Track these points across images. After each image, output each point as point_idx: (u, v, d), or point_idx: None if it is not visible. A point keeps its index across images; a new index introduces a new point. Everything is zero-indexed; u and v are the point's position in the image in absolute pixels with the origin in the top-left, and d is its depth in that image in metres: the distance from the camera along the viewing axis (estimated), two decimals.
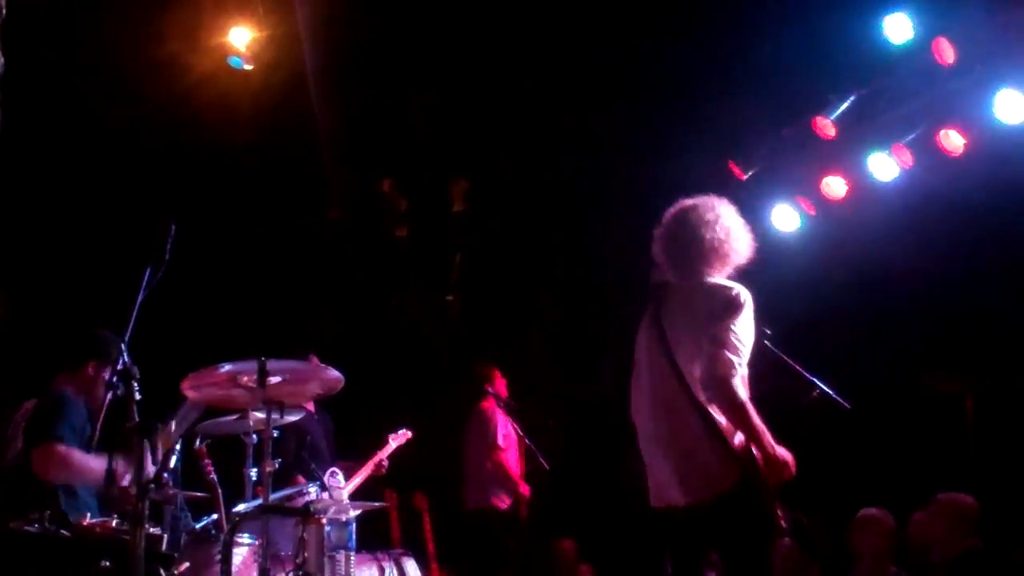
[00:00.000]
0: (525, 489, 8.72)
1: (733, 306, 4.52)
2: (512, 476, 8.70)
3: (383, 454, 7.82)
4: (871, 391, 7.60)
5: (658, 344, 4.65)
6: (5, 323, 7.45)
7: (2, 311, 7.55)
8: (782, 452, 4.49)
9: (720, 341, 4.42)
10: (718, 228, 4.72)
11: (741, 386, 4.42)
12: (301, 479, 6.84)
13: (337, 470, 7.57)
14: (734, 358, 4.40)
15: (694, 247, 4.70)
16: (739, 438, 4.46)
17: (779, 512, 4.54)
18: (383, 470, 7.83)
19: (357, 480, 7.62)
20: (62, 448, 5.02)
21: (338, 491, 7.21)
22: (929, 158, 7.43)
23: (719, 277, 4.71)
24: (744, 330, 4.48)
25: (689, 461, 4.52)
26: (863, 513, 7.06)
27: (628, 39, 8.56)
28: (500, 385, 8.93)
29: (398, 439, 7.97)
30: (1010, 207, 7.38)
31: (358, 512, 6.01)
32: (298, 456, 7.05)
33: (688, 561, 4.68)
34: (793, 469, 4.51)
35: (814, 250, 8.42)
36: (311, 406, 7.72)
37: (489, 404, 8.84)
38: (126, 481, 4.41)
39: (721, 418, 4.45)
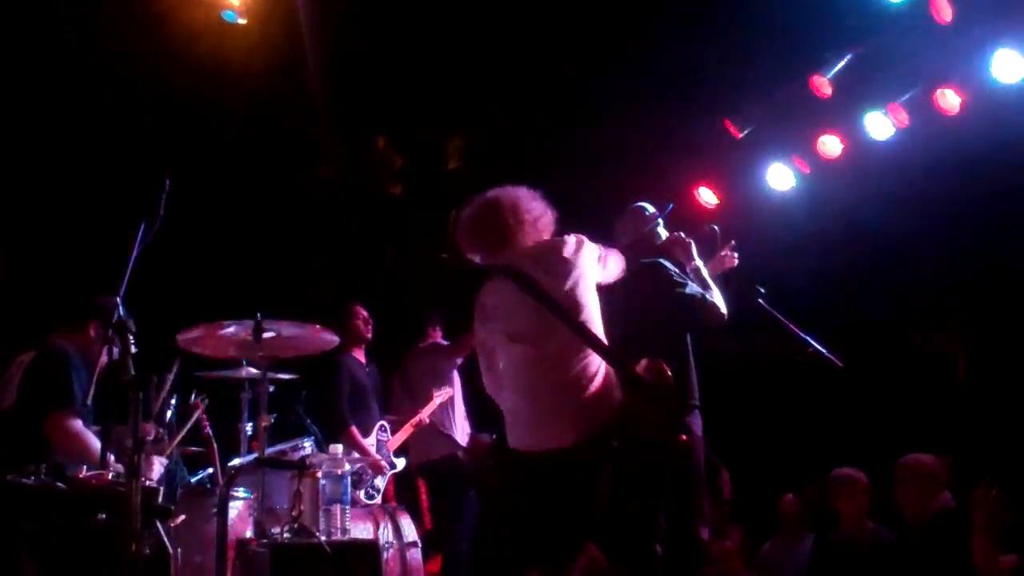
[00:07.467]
0: None
1: None
2: None
3: (427, 410, 7.78)
4: (864, 349, 7.63)
5: None
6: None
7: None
8: None
9: None
10: None
11: None
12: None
13: (386, 424, 7.58)
14: None
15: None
16: None
17: None
18: (425, 423, 7.76)
19: (402, 435, 7.62)
20: (78, 423, 5.05)
21: (385, 445, 7.47)
22: (925, 117, 7.42)
23: None
24: None
25: None
26: (836, 473, 7.09)
27: None
28: None
29: (441, 395, 7.94)
30: (1006, 167, 7.38)
31: (354, 467, 6.04)
32: (296, 411, 7.02)
33: None
34: None
35: (809, 209, 8.42)
36: (362, 356, 7.72)
37: None
38: (110, 474, 4.43)
39: None
